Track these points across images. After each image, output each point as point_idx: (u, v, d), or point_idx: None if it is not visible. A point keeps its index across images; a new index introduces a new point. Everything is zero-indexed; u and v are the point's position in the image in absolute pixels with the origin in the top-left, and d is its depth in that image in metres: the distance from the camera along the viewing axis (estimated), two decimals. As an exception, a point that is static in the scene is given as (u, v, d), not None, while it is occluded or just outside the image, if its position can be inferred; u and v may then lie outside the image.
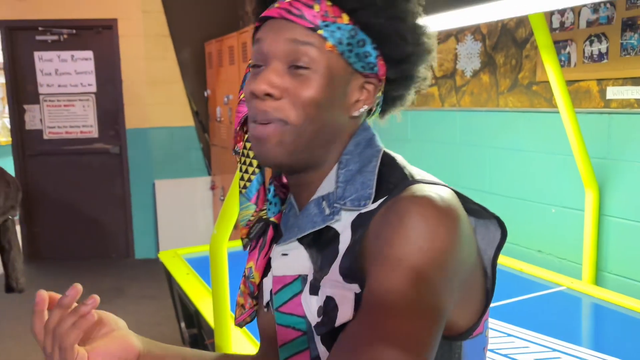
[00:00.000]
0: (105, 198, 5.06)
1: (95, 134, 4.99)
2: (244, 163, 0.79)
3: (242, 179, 0.79)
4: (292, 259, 0.74)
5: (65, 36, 4.82)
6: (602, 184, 2.08)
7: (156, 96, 4.95)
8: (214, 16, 5.05)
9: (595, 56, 2.03)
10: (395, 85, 0.76)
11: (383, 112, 0.80)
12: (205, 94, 4.96)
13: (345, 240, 0.70)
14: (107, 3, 4.78)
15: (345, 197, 0.70)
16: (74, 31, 4.82)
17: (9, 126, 5.26)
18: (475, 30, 2.59)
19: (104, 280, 4.54)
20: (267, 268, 0.81)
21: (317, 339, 0.71)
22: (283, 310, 0.75)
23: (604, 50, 1.99)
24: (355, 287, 0.67)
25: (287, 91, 0.69)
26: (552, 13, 2.19)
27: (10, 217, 2.20)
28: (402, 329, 0.57)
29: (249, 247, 0.83)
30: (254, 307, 0.83)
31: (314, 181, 0.75)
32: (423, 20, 0.75)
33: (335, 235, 0.71)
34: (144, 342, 0.78)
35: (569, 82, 2.15)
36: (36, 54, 4.81)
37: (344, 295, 0.67)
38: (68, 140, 4.96)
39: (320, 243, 0.72)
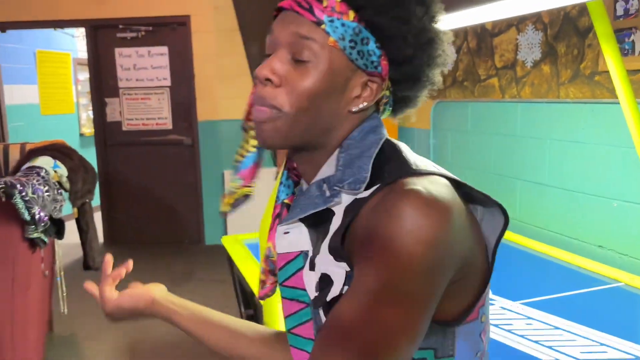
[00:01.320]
0: (179, 187, 5.33)
1: (169, 125, 5.26)
2: (246, 140, 0.85)
3: (238, 153, 0.84)
4: (294, 236, 0.78)
5: (142, 33, 5.11)
6: (666, 178, 2.00)
7: (226, 90, 5.14)
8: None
9: (660, 44, 1.95)
10: (401, 86, 0.76)
11: (395, 112, 0.82)
12: (272, 87, 5.09)
13: (336, 222, 0.73)
14: (181, 0, 5.01)
15: (344, 180, 0.72)
16: (151, 28, 5.09)
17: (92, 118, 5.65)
18: (536, 20, 2.54)
19: (176, 264, 4.80)
20: None
21: (321, 310, 0.75)
22: (287, 285, 0.79)
23: (669, 38, 1.91)
24: (345, 266, 0.70)
25: (286, 80, 0.72)
26: (616, 0, 2.11)
27: (87, 200, 2.40)
28: (391, 318, 0.61)
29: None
30: (274, 283, 0.89)
31: (318, 161, 0.77)
32: (435, 25, 0.75)
33: (330, 215, 0.74)
34: (166, 296, 0.99)
35: (634, 72, 2.07)
36: (117, 50, 5.13)
37: (336, 272, 0.71)
38: (144, 131, 5.26)
39: (321, 223, 0.75)
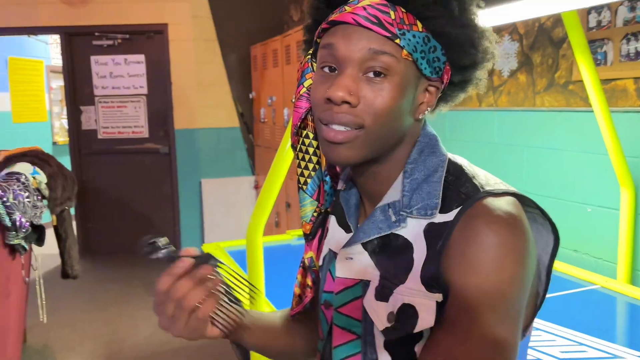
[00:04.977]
0: (155, 196, 5.28)
1: (145, 134, 5.21)
2: (303, 159, 0.79)
3: (301, 175, 0.79)
4: (356, 263, 0.76)
5: (119, 41, 5.07)
6: (638, 183, 2.07)
7: (204, 98, 5.14)
8: (259, 21, 5.20)
9: (632, 55, 2.02)
10: (455, 87, 0.77)
11: (433, 109, 0.81)
12: (250, 96, 5.12)
13: (420, 249, 0.71)
14: (158, 9, 5.00)
15: (412, 206, 0.72)
16: (128, 36, 5.06)
17: (66, 126, 5.56)
18: (512, 31, 2.61)
19: (152, 273, 4.74)
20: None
21: (379, 343, 0.73)
22: (342, 311, 0.78)
23: (640, 49, 1.99)
24: (439, 296, 0.68)
25: (363, 98, 0.70)
26: (589, 12, 2.19)
27: (66, 207, 2.37)
28: (494, 341, 0.64)
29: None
30: (312, 296, 0.86)
31: (383, 176, 0.77)
32: (485, 23, 0.75)
33: (407, 244, 0.72)
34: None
35: (606, 81, 2.14)
36: (92, 58, 5.09)
37: (425, 303, 0.69)
38: (120, 140, 5.21)
39: (390, 251, 0.74)
